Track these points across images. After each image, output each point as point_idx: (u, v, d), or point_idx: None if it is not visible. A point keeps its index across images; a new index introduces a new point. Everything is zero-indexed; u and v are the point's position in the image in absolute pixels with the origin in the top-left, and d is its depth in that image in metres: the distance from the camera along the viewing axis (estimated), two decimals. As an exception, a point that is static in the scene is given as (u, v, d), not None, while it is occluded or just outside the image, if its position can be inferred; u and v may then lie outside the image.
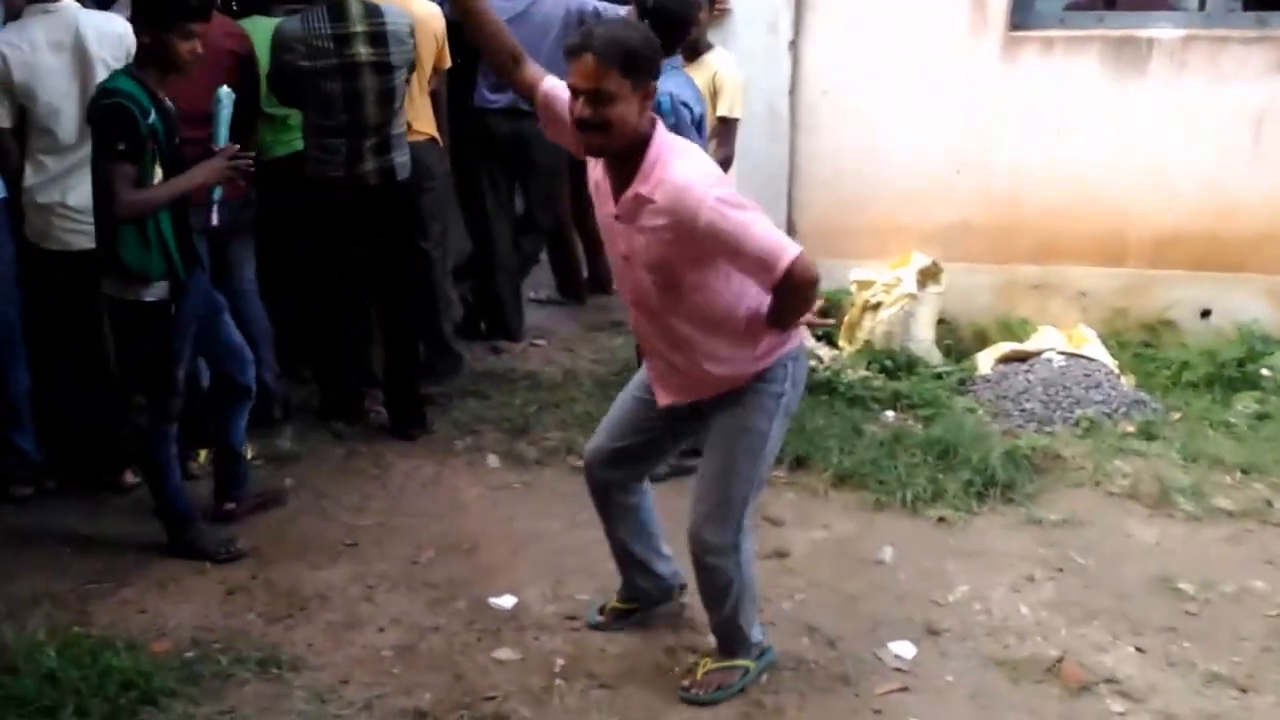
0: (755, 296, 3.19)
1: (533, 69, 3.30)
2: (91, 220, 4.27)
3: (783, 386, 3.34)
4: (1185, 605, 4.05)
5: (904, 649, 3.79)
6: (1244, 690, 3.57)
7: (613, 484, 3.67)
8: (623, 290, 3.40)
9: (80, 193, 4.42)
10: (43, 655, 3.57)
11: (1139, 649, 3.80)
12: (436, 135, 5.74)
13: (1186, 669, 3.68)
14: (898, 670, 3.69)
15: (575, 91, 3.00)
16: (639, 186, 3.05)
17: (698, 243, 3.03)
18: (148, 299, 4.13)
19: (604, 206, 3.22)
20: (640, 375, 3.59)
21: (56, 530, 4.58)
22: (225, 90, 4.40)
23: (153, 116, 3.99)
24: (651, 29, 4.97)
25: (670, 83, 4.91)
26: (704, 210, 2.97)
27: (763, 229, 3.03)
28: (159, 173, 4.08)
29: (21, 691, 3.42)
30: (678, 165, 3.05)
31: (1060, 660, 3.70)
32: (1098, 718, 3.46)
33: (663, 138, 3.09)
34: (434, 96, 5.72)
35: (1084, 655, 3.75)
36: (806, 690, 3.58)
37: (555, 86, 3.25)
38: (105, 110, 3.96)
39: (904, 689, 3.59)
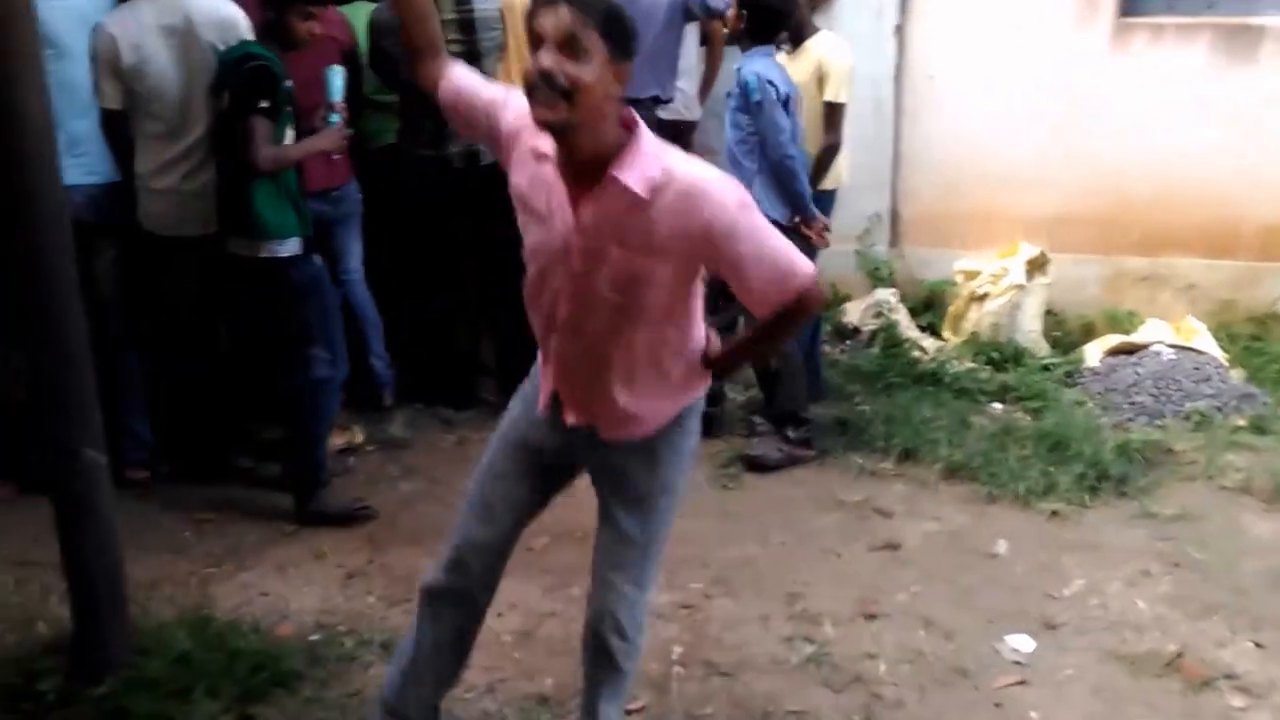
0: (702, 331, 2.83)
1: (445, 62, 2.79)
2: (206, 206, 4.50)
3: (695, 434, 2.93)
4: (1303, 601, 4.06)
5: (1022, 642, 3.82)
6: (1365, 686, 3.57)
7: (484, 584, 2.97)
8: (549, 307, 2.73)
9: (196, 179, 4.55)
10: (173, 637, 3.62)
11: (1258, 644, 3.80)
12: None
13: (1307, 665, 3.69)
14: (1016, 664, 3.72)
15: (538, 41, 2.41)
16: (627, 180, 2.47)
17: (695, 253, 2.57)
18: (282, 254, 4.39)
19: (549, 218, 2.60)
20: (515, 413, 2.99)
21: (173, 514, 4.68)
22: (337, 67, 4.62)
23: (289, 82, 4.31)
24: (750, 19, 5.06)
25: (756, 64, 4.98)
26: (726, 214, 2.50)
27: (781, 239, 2.61)
28: (290, 135, 4.37)
29: (153, 673, 3.43)
30: (679, 161, 2.53)
31: (1180, 655, 3.72)
32: (1219, 713, 3.47)
33: (648, 133, 2.56)
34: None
35: (1203, 650, 3.76)
36: (926, 683, 3.62)
37: (465, 75, 2.78)
38: (251, 70, 4.28)
39: (1023, 682, 3.62)
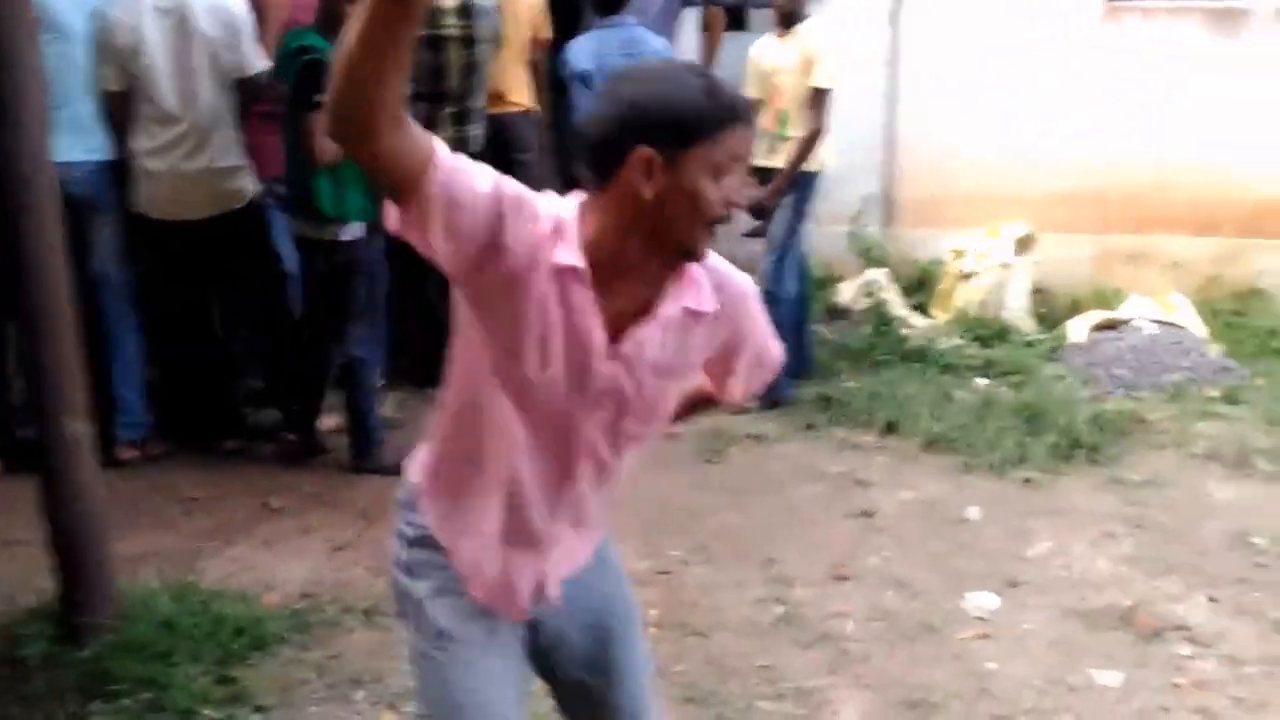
0: None
1: (419, 136, 1.78)
2: (201, 190, 4.72)
3: None
4: (1258, 559, 4.24)
5: (986, 600, 4.00)
6: (1309, 637, 3.76)
7: None
8: (546, 465, 2.01)
9: (193, 163, 4.73)
10: (157, 603, 3.70)
11: (1211, 599, 3.98)
12: (532, 106, 5.82)
13: (1255, 617, 3.87)
14: (979, 619, 3.90)
15: (726, 167, 1.86)
16: (689, 299, 1.98)
17: (716, 354, 2.13)
18: (344, 238, 4.70)
19: (572, 355, 1.92)
20: (469, 635, 2.05)
21: (163, 493, 4.77)
22: None
23: None
24: None
25: (583, 39, 5.35)
26: (755, 306, 2.15)
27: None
28: None
29: (137, 636, 3.51)
30: (715, 261, 2.06)
31: (1134, 609, 3.91)
32: (1167, 660, 3.65)
33: None
34: (533, 67, 5.85)
35: (1158, 605, 3.94)
36: (892, 639, 3.80)
37: (455, 161, 1.81)
38: (305, 65, 4.45)
39: (985, 636, 3.80)
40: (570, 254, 1.86)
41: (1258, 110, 6.57)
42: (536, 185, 5.81)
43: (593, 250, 1.89)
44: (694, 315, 1.99)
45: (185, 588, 3.91)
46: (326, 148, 4.42)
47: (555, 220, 1.88)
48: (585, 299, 1.89)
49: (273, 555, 4.34)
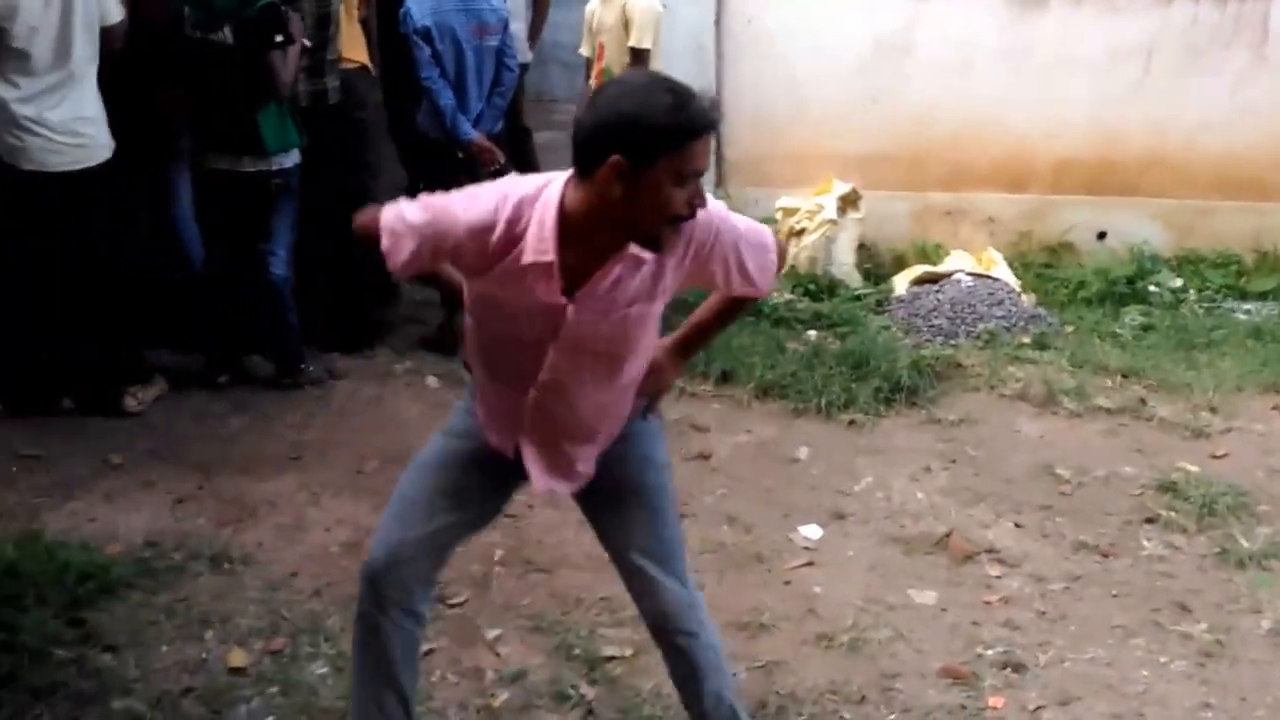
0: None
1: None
2: (70, 141, 4.68)
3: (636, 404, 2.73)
4: (1061, 488, 4.56)
5: (812, 531, 4.25)
6: (1105, 555, 4.07)
7: (413, 594, 2.70)
8: (519, 372, 2.56)
9: (60, 111, 4.67)
10: (1, 552, 3.74)
11: (1018, 525, 4.29)
12: (368, 64, 5.89)
13: (1058, 539, 4.18)
14: (806, 549, 4.15)
15: (689, 175, 2.24)
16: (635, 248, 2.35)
17: (698, 274, 2.49)
18: (288, 165, 5.14)
19: (534, 312, 2.42)
20: (458, 428, 2.77)
21: (0, 451, 4.75)
22: None
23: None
24: None
25: None
26: (723, 224, 2.45)
27: (737, 217, 2.54)
28: None
29: None
30: None
31: (948, 535, 4.19)
32: (978, 581, 3.94)
33: None
34: (363, 24, 5.92)
35: (970, 531, 4.23)
36: (724, 568, 4.01)
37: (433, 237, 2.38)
38: (265, 9, 4.84)
39: (810, 564, 4.04)
40: (542, 249, 2.30)
41: (1061, 73, 6.89)
42: (372, 141, 5.79)
43: (568, 220, 2.31)
44: (638, 260, 2.35)
45: (28, 536, 3.94)
46: (286, 82, 4.93)
47: (525, 213, 2.32)
48: (551, 273, 2.32)
49: (114, 508, 4.37)
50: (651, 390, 2.73)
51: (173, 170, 5.43)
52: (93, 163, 4.82)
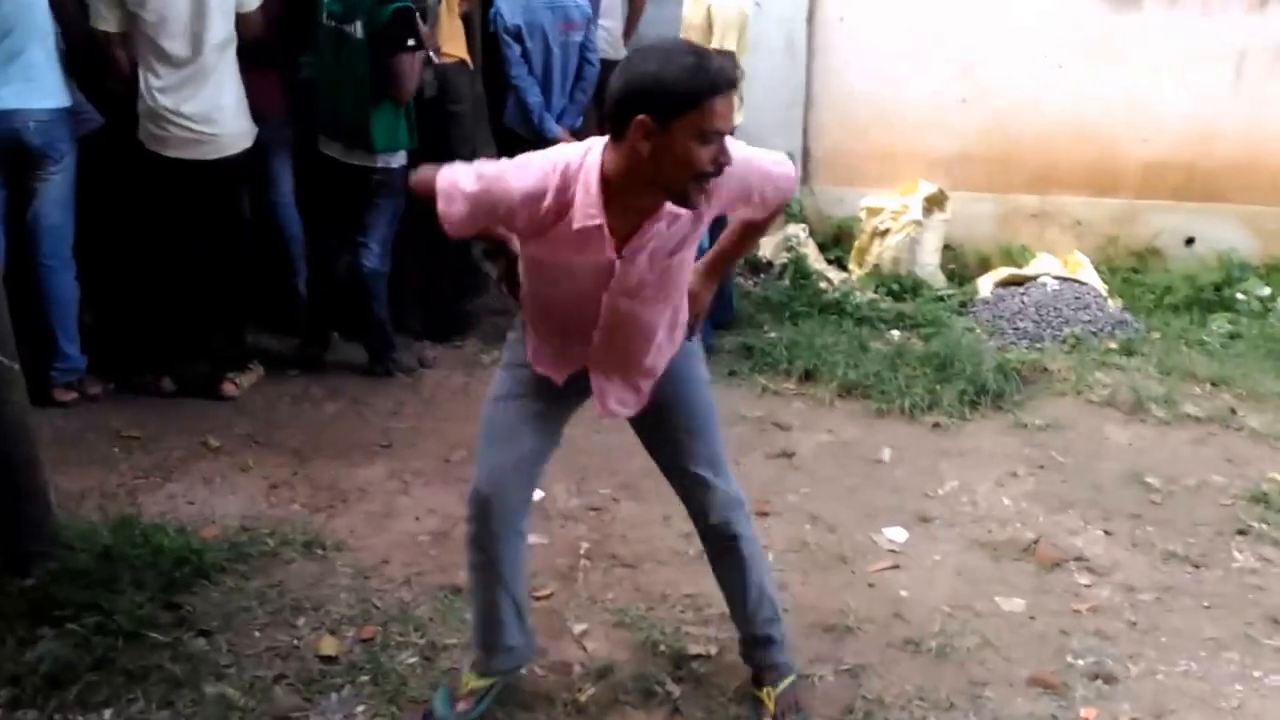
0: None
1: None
2: (207, 132, 4.81)
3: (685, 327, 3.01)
4: (1151, 496, 4.51)
5: (896, 534, 4.23)
6: (1196, 566, 4.02)
7: (517, 513, 3.02)
8: (578, 320, 2.82)
9: (196, 103, 4.78)
10: (98, 535, 3.82)
11: (1107, 532, 4.25)
12: (467, 58, 5.89)
13: (1147, 549, 4.13)
14: (891, 551, 4.13)
15: (717, 135, 2.42)
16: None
17: (729, 205, 2.77)
18: (393, 164, 5.20)
19: (585, 270, 2.68)
20: (517, 359, 3.00)
21: (102, 432, 4.85)
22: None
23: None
24: None
25: None
26: (738, 161, 2.55)
27: (754, 150, 2.73)
28: None
29: (80, 565, 3.63)
30: None
31: (1036, 542, 4.15)
32: (1066, 589, 3.90)
33: None
34: (465, 19, 5.91)
35: (1058, 538, 4.19)
36: (809, 568, 4.00)
37: (482, 206, 2.63)
38: (399, 12, 4.92)
39: (896, 567, 4.02)
40: (590, 213, 2.53)
41: (1151, 74, 6.80)
42: (468, 134, 5.88)
43: (608, 183, 2.52)
44: (675, 215, 2.59)
45: (124, 521, 4.00)
46: (411, 88, 5.03)
47: (572, 181, 2.53)
48: (599, 234, 2.56)
49: (210, 491, 4.43)
50: (691, 314, 2.98)
51: (273, 155, 5.50)
52: (232, 151, 4.93)
